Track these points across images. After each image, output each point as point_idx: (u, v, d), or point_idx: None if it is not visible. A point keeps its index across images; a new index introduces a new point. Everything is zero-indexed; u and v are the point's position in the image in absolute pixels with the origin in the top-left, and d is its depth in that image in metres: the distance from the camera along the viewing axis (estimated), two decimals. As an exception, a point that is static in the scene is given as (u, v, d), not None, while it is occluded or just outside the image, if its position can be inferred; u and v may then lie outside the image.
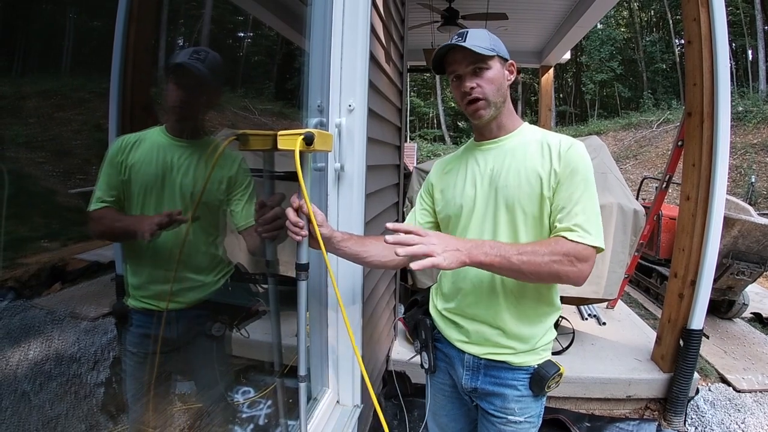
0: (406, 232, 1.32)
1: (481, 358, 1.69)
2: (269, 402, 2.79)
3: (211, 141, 1.90)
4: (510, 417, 1.69)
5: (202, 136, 1.89)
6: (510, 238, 1.60)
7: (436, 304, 1.86)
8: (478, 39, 1.56)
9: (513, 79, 1.66)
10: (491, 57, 1.57)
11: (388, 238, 1.31)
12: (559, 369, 1.65)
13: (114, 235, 1.80)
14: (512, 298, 1.63)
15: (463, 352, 1.73)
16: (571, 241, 1.45)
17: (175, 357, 1.99)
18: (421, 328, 1.87)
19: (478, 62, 1.56)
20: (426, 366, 1.87)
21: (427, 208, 1.86)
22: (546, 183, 1.54)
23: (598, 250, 1.48)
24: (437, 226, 1.85)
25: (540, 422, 1.78)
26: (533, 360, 1.67)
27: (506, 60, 1.65)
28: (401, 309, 3.95)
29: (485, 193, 1.65)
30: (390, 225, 1.37)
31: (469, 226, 1.68)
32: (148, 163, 1.74)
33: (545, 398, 1.76)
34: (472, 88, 1.57)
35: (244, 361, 2.61)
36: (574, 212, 1.48)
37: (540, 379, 1.64)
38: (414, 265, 1.28)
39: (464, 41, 1.54)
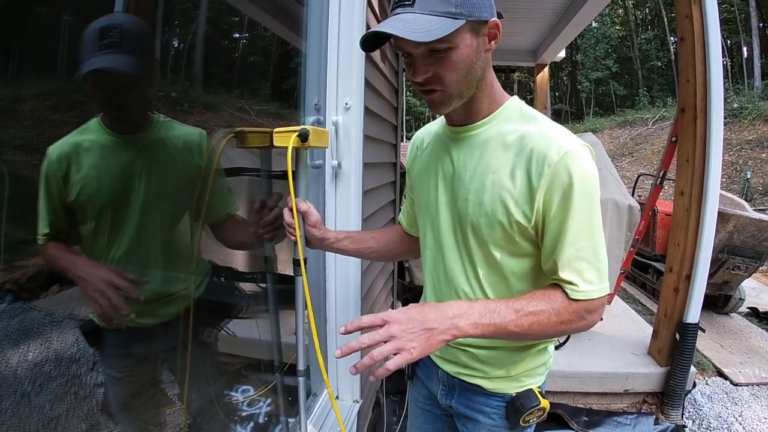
0: (356, 329, 1.09)
1: (454, 377, 1.46)
2: (269, 400, 2.80)
3: (163, 123, 1.64)
4: None
5: (151, 121, 1.61)
6: (463, 265, 1.32)
7: None
8: (432, 2, 1.03)
9: (494, 46, 1.15)
10: (457, 30, 1.04)
11: (338, 353, 1.06)
12: (540, 402, 1.35)
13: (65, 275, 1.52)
14: None
15: (438, 367, 1.52)
16: (575, 300, 1.14)
17: (165, 373, 1.89)
18: None
19: (434, 42, 1.03)
20: (407, 373, 1.72)
21: (412, 202, 1.58)
22: (518, 211, 1.16)
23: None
24: None
25: None
26: (511, 387, 1.39)
27: (485, 22, 1.09)
28: (399, 306, 3.97)
29: (445, 201, 1.33)
30: (342, 329, 1.10)
31: (427, 237, 1.44)
32: (103, 176, 1.50)
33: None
34: (427, 79, 1.12)
35: (244, 360, 2.62)
36: (577, 257, 1.13)
37: (515, 411, 1.36)
38: (386, 367, 1.02)
39: (413, 4, 1.04)
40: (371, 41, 1.12)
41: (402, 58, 1.18)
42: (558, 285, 1.17)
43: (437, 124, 1.45)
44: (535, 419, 1.38)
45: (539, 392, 1.39)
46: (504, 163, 1.17)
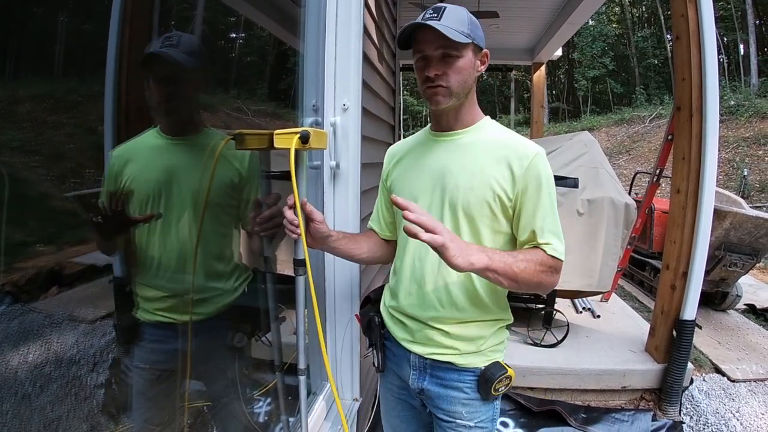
0: (418, 220, 1.25)
1: (426, 358, 1.61)
2: (268, 399, 2.81)
3: (212, 134, 1.75)
4: (459, 421, 1.61)
5: (201, 130, 1.75)
6: None
7: (385, 301, 1.78)
8: (455, 20, 1.42)
9: (483, 70, 1.54)
10: (465, 45, 1.42)
11: (408, 215, 1.22)
12: (507, 371, 1.56)
13: (106, 241, 1.67)
14: (456, 302, 1.55)
15: (409, 351, 1.65)
16: (551, 256, 1.44)
17: (193, 372, 1.87)
18: (371, 326, 1.79)
19: (449, 48, 1.41)
20: (376, 365, 1.81)
21: (388, 204, 1.78)
22: (503, 192, 1.46)
23: None
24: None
25: (495, 427, 1.71)
26: (479, 362, 1.59)
27: (481, 49, 1.50)
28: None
29: (431, 191, 1.56)
30: (400, 200, 1.27)
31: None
32: (148, 171, 1.64)
33: (498, 402, 1.69)
34: (437, 75, 1.43)
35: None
36: (548, 228, 1.45)
37: (485, 381, 1.56)
38: (425, 237, 1.20)
39: (440, 20, 1.39)
40: (407, 36, 1.47)
41: (415, 58, 1.50)
42: (536, 247, 1.46)
43: (414, 137, 1.75)
44: (503, 387, 1.58)
45: (504, 363, 1.60)
46: (489, 158, 1.49)
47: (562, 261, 1.47)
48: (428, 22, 1.38)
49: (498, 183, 1.46)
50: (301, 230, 1.45)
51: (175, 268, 1.72)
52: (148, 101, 1.63)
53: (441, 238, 1.22)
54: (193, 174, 1.69)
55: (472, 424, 1.61)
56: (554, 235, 1.46)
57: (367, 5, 2.34)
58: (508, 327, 1.70)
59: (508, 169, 1.45)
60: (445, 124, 1.59)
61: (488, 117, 1.62)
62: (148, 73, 1.55)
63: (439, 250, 1.23)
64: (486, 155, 1.50)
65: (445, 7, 1.43)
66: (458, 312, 1.56)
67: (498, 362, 1.59)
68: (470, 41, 1.43)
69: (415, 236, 1.22)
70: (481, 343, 1.59)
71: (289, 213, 1.46)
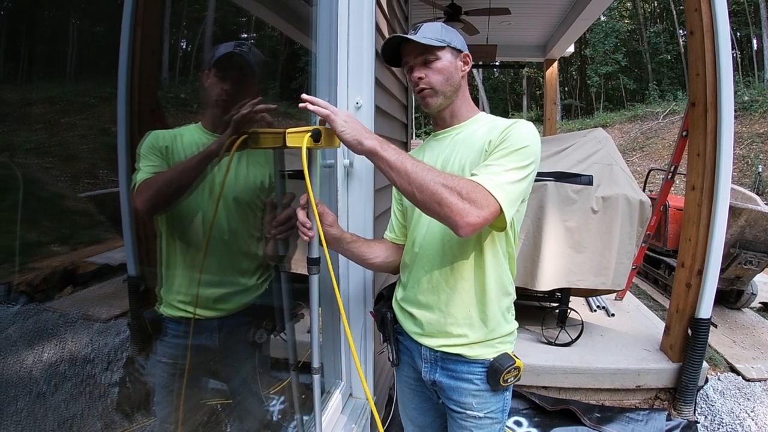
0: (314, 102, 1.42)
1: (436, 351, 1.67)
2: (282, 398, 2.82)
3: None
4: (469, 412, 1.65)
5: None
6: (444, 229, 1.50)
7: (397, 296, 1.83)
8: (431, 31, 1.60)
9: (467, 69, 1.69)
10: (441, 48, 1.60)
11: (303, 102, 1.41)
12: (515, 362, 1.60)
13: (169, 188, 1.58)
14: (461, 281, 1.59)
15: (420, 345, 1.71)
16: (473, 181, 1.37)
17: (214, 368, 1.94)
18: (384, 322, 1.84)
19: (426, 53, 1.59)
20: (391, 359, 1.86)
21: (399, 206, 1.86)
22: (483, 157, 1.51)
23: (501, 214, 1.38)
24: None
25: (505, 418, 1.74)
26: (488, 353, 1.63)
27: (460, 51, 1.66)
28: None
29: None
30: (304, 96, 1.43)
31: (419, 220, 1.68)
32: (186, 156, 1.66)
33: (509, 393, 1.73)
34: (420, 78, 1.61)
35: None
36: (486, 164, 1.44)
37: (494, 372, 1.60)
38: (311, 107, 1.39)
39: (416, 34, 1.59)
40: (390, 51, 1.67)
41: (405, 71, 1.69)
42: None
43: (423, 143, 1.86)
44: (512, 378, 1.63)
45: (513, 354, 1.64)
46: (479, 142, 1.57)
47: (488, 193, 1.35)
48: (407, 36, 1.59)
49: (486, 146, 1.53)
50: (319, 229, 1.47)
51: (200, 262, 1.74)
52: (207, 96, 1.71)
53: (326, 111, 1.39)
54: (231, 169, 1.71)
55: (482, 414, 1.65)
56: (491, 175, 1.40)
57: (378, 3, 2.33)
58: (517, 318, 1.75)
59: (489, 141, 1.53)
60: (442, 123, 1.74)
61: (483, 112, 1.75)
62: (218, 70, 1.65)
63: (328, 121, 1.41)
64: (477, 141, 1.59)
65: (422, 24, 1.63)
66: (464, 292, 1.61)
67: (507, 353, 1.64)
68: (445, 45, 1.61)
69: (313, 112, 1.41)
70: (489, 330, 1.62)
71: (301, 214, 1.49)
